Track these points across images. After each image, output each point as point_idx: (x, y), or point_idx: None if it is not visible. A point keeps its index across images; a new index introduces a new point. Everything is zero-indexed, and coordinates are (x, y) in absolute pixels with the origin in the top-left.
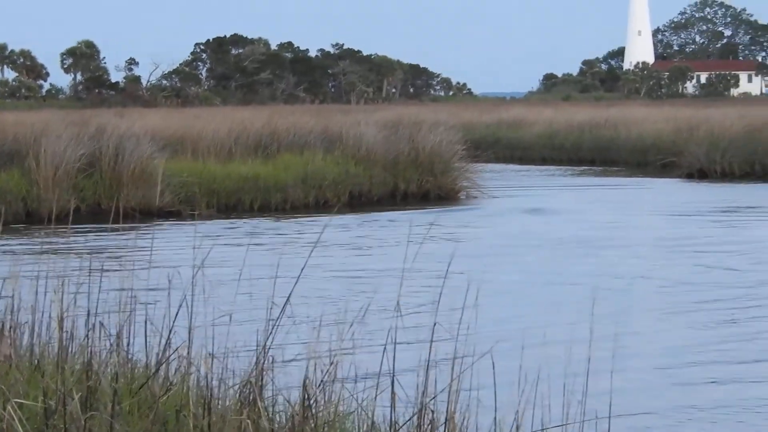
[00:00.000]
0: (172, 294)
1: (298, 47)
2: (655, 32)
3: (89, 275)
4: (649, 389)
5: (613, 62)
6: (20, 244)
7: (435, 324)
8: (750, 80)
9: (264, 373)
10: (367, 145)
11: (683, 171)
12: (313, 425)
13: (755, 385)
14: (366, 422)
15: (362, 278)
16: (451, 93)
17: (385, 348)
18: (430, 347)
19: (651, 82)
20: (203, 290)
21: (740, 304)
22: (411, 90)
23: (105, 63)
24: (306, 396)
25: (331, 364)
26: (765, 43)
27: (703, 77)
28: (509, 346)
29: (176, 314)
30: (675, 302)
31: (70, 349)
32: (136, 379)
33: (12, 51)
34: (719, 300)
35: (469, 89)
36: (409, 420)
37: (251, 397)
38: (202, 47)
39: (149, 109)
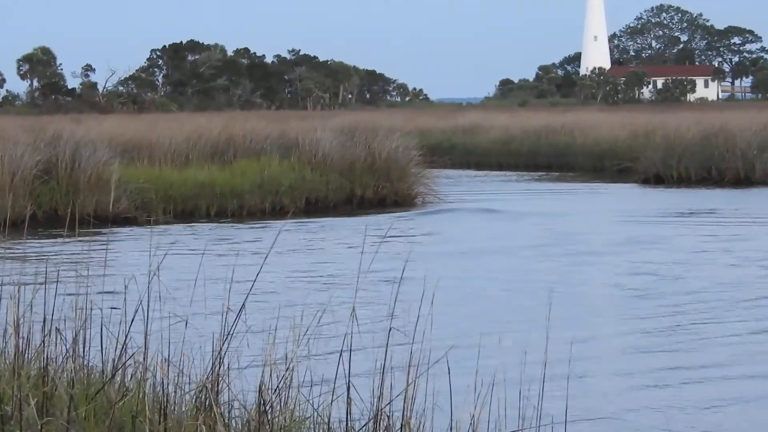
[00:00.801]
0: (128, 300)
1: (255, 53)
2: (612, 38)
3: (45, 281)
4: (604, 394)
5: (569, 68)
6: None
7: (390, 329)
8: (706, 85)
9: (220, 378)
10: (323, 151)
11: (640, 176)
12: (269, 430)
13: (710, 387)
14: (322, 427)
15: (318, 283)
16: (407, 99)
17: (340, 353)
18: (386, 352)
19: (607, 88)
20: (159, 296)
21: (697, 308)
22: (367, 96)
23: (61, 69)
24: (262, 401)
25: (287, 369)
26: (721, 49)
27: (660, 83)
28: (465, 350)
29: (132, 320)
30: (631, 306)
31: (26, 355)
32: (93, 384)
33: None
34: (675, 304)
35: (425, 95)
36: (365, 425)
37: (207, 403)
38: (158, 53)
39: (105, 115)
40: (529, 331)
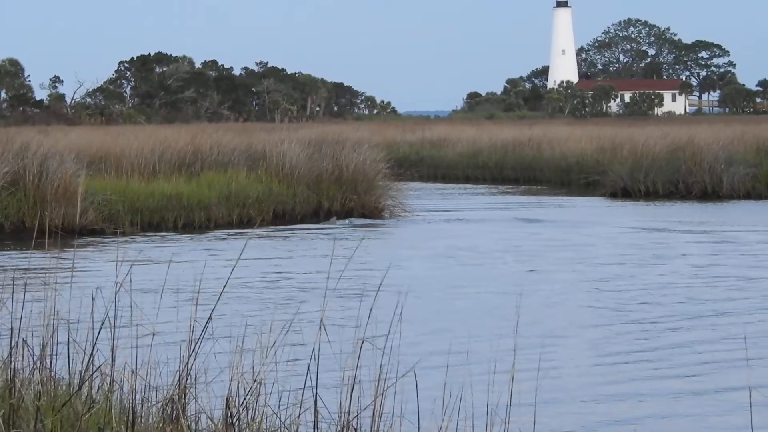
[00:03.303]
0: (95, 312)
1: (222, 65)
2: (579, 51)
3: (12, 293)
4: (573, 406)
5: (537, 81)
6: None
7: (360, 341)
8: (674, 99)
9: (187, 390)
10: (290, 164)
11: (607, 190)
12: None
13: (681, 400)
14: None
15: (286, 295)
16: (375, 111)
17: (308, 365)
18: (355, 364)
19: (575, 101)
20: (127, 308)
21: (665, 318)
22: (335, 108)
23: (29, 81)
24: (229, 414)
25: (254, 381)
26: (689, 62)
27: (627, 96)
28: (433, 362)
29: (99, 332)
30: (601, 317)
31: None
32: (59, 396)
33: None
34: (645, 314)
35: (393, 108)
36: None
37: (174, 415)
38: (126, 65)
39: (73, 126)
40: (497, 343)
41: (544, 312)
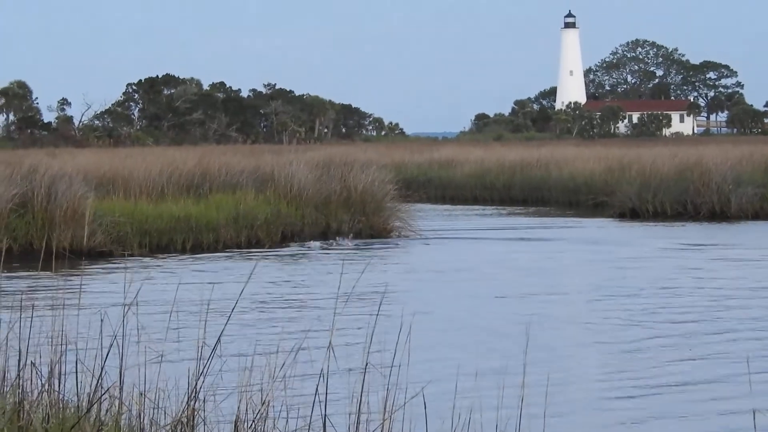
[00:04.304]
0: (104, 334)
1: (230, 87)
2: (587, 72)
3: (20, 315)
4: (581, 428)
5: (544, 102)
6: None
7: (367, 364)
8: (682, 120)
9: (195, 412)
10: (298, 185)
11: (615, 210)
12: None
13: (689, 424)
14: None
15: (295, 316)
16: (383, 133)
17: (317, 387)
18: (362, 386)
19: (583, 122)
20: (135, 330)
21: (673, 337)
22: (343, 130)
23: (37, 103)
24: None
25: (263, 403)
26: (697, 83)
27: (635, 117)
28: (441, 385)
29: (107, 354)
30: (608, 336)
31: (1, 390)
32: (68, 419)
33: None
34: (652, 331)
35: (401, 129)
36: None
37: None
38: (134, 87)
39: (81, 149)
40: (506, 366)
41: (553, 331)
